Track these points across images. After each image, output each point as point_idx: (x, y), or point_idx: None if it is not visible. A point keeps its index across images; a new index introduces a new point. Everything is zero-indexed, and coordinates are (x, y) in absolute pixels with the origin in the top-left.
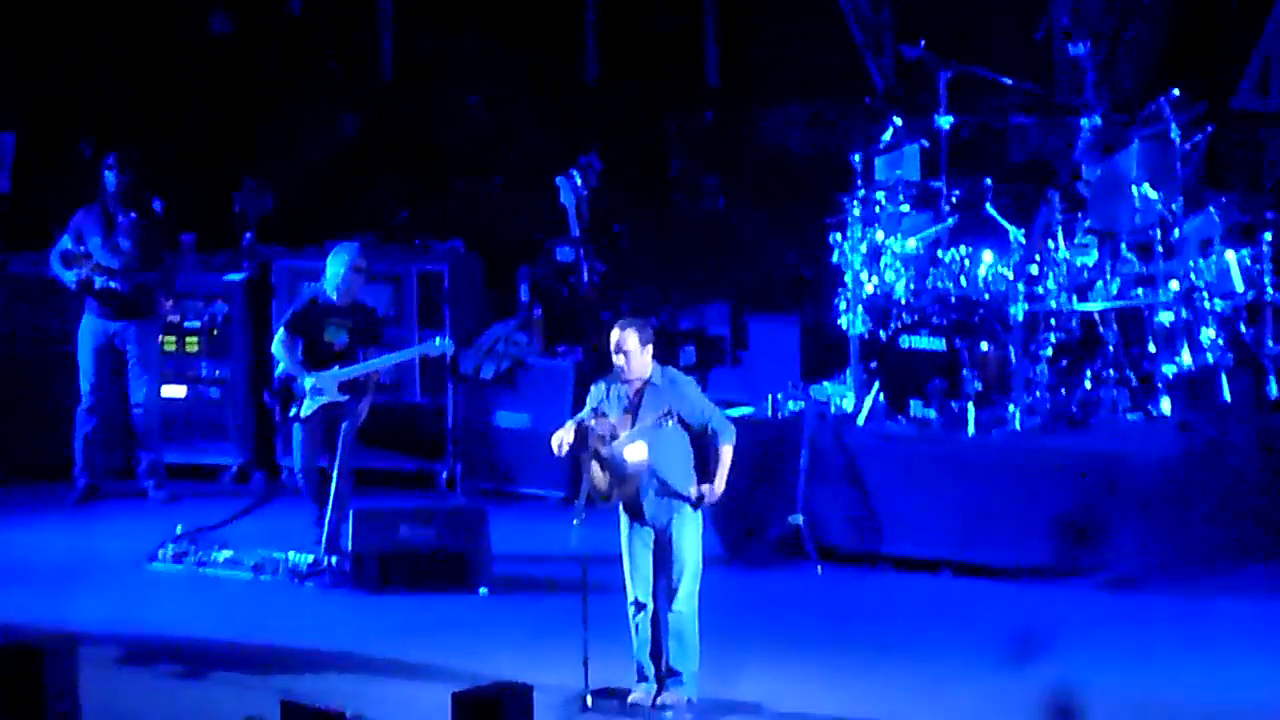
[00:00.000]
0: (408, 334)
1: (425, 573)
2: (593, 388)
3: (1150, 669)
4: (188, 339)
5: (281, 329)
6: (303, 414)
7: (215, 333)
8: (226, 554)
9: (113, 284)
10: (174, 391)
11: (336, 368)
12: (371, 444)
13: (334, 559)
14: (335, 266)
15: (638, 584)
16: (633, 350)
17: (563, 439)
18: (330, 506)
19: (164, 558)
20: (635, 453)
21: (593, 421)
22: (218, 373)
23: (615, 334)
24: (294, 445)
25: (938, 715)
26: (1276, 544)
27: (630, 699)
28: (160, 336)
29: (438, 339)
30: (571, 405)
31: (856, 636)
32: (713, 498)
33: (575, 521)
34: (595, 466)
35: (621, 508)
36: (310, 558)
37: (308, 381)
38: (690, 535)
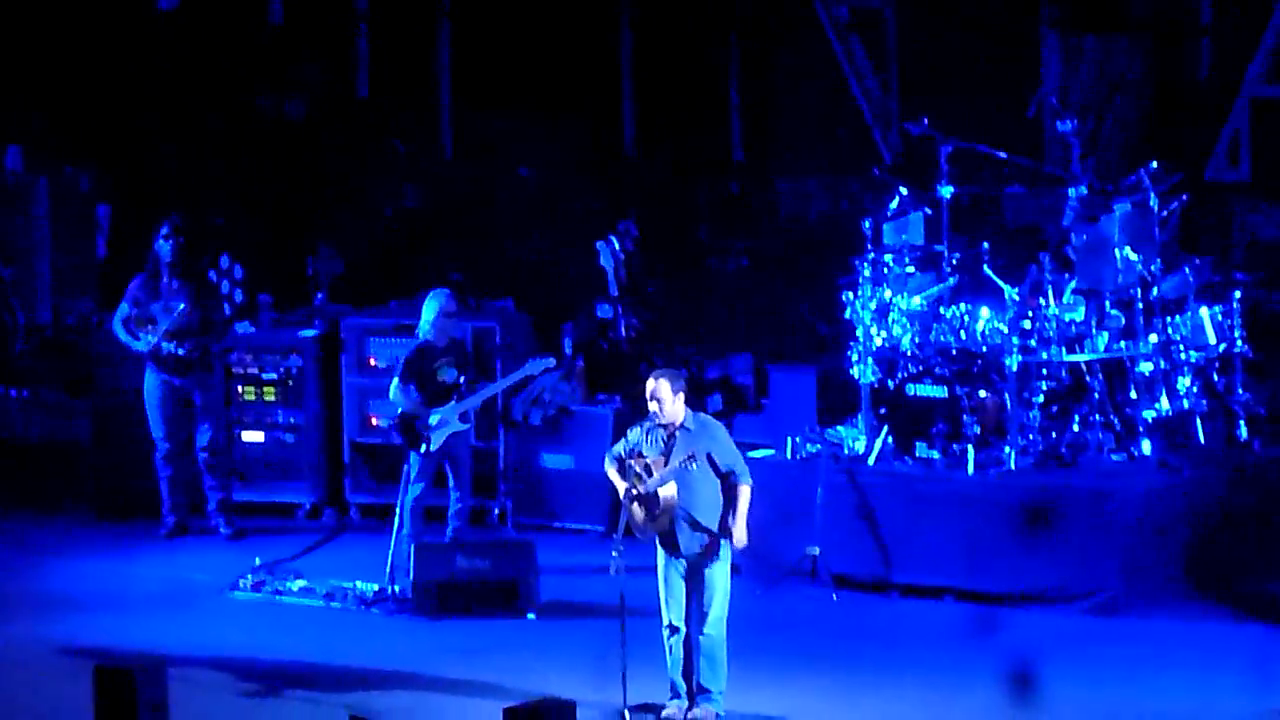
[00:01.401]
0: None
1: (479, 599)
2: (630, 430)
3: (1132, 684)
4: (265, 389)
5: (396, 379)
6: (432, 447)
7: (290, 383)
8: (300, 583)
9: (179, 351)
10: (253, 436)
11: (454, 400)
12: (432, 482)
13: (398, 587)
14: (429, 314)
15: (672, 609)
16: (665, 398)
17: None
18: (395, 538)
19: (244, 587)
20: (667, 490)
21: (631, 461)
22: (292, 419)
23: (651, 383)
24: (413, 476)
25: None
26: (1245, 571)
27: (664, 714)
28: (238, 388)
29: (540, 358)
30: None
31: (867, 656)
32: (741, 541)
33: (614, 553)
34: (634, 503)
35: (658, 540)
36: (376, 586)
37: (434, 418)
38: (720, 565)
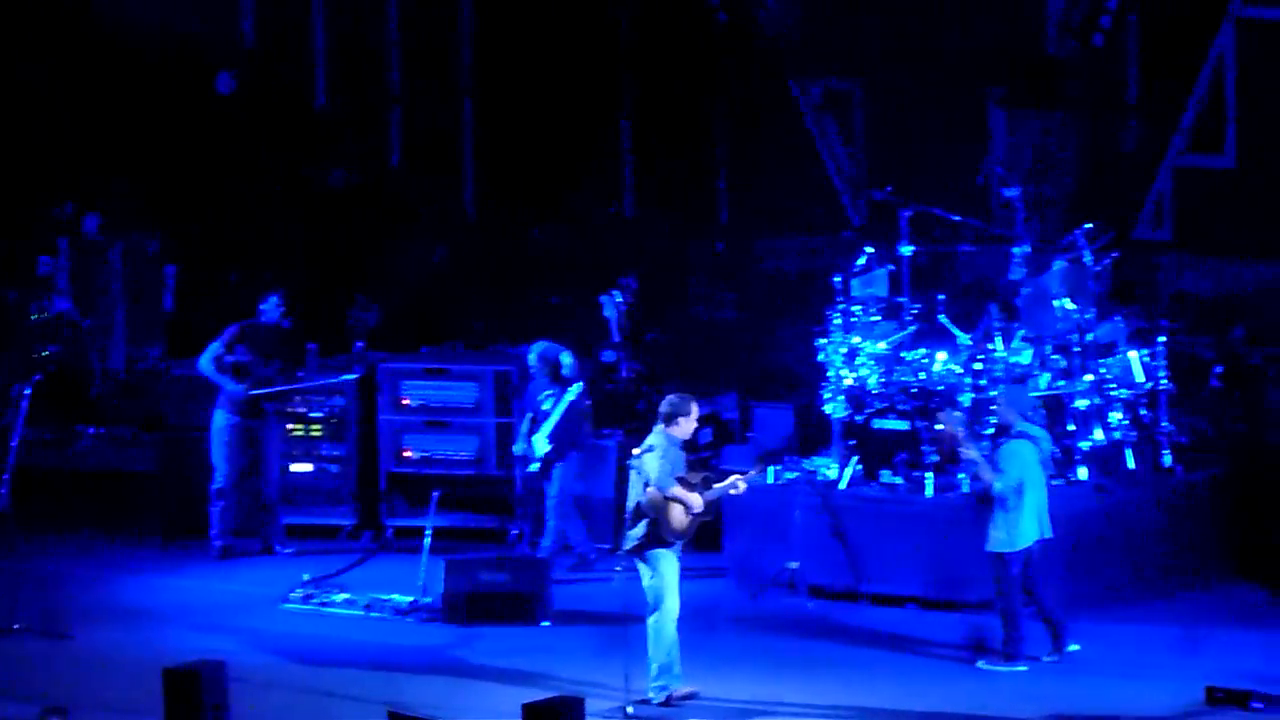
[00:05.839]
0: (485, 421)
1: (500, 609)
2: (669, 452)
3: (1071, 677)
4: (312, 426)
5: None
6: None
7: (334, 421)
8: (344, 596)
9: (268, 403)
10: (302, 467)
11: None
12: (458, 507)
13: (429, 598)
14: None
15: (677, 601)
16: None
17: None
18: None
19: (294, 599)
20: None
21: (690, 478)
22: (336, 452)
23: (695, 408)
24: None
25: (901, 716)
26: (1169, 581)
27: (681, 694)
28: (288, 426)
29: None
30: (615, 476)
31: (840, 656)
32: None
33: (617, 569)
34: (679, 511)
35: (672, 547)
36: (410, 597)
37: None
38: None
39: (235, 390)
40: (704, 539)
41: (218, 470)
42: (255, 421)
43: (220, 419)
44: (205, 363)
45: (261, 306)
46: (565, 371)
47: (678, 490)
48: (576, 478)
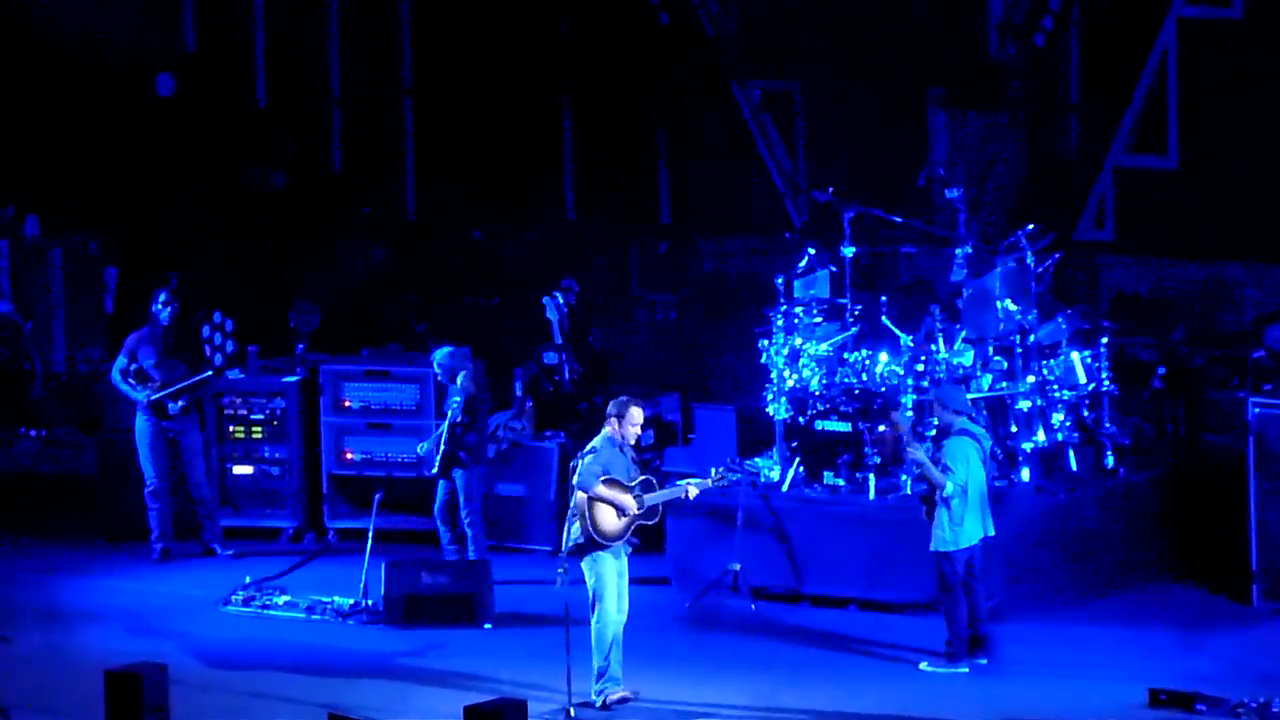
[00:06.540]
0: (426, 423)
1: (442, 611)
2: (600, 453)
3: (1016, 679)
4: (253, 428)
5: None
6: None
7: (275, 423)
8: (285, 598)
9: (174, 405)
10: (243, 469)
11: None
12: (399, 509)
13: (370, 600)
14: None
15: (620, 602)
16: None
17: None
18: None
19: (235, 601)
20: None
21: (626, 482)
22: (277, 454)
23: (638, 412)
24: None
25: (842, 718)
26: (1112, 582)
27: (617, 698)
28: (231, 426)
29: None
30: (557, 478)
31: (782, 657)
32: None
33: (560, 570)
34: (609, 512)
35: (609, 547)
36: (351, 600)
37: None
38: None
39: (138, 398)
40: (646, 541)
41: (146, 473)
42: (167, 423)
43: (139, 423)
44: (114, 375)
45: (153, 309)
46: (460, 384)
47: (603, 490)
48: (481, 480)
